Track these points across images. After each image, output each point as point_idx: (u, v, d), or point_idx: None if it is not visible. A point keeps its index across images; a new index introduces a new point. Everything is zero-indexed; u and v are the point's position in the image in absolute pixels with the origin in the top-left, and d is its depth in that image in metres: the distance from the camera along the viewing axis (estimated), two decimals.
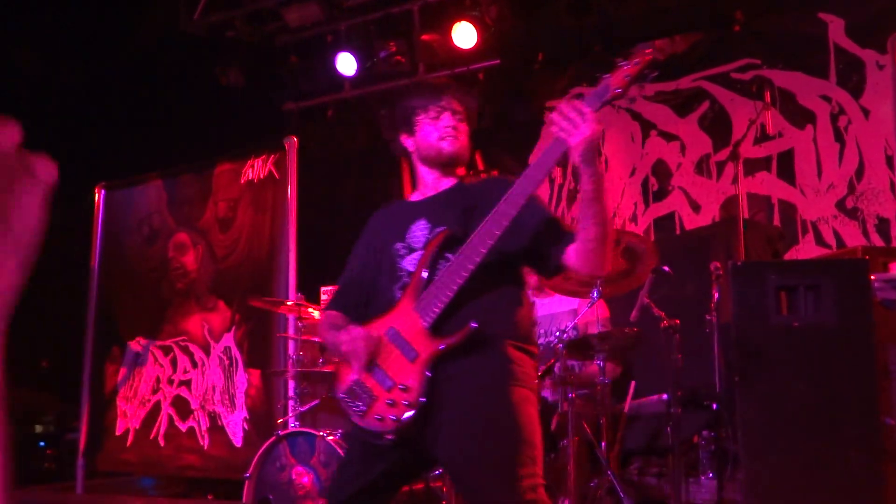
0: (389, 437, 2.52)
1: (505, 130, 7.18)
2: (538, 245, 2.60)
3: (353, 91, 7.46)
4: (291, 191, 6.25)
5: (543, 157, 2.46)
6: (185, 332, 6.85)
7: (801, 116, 6.13)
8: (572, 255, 2.52)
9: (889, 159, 5.81)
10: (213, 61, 7.53)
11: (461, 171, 2.87)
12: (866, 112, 5.95)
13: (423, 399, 2.47)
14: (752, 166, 6.22)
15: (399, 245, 2.74)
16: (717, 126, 6.49)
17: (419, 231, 2.72)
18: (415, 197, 2.90)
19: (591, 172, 2.38)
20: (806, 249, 6.04)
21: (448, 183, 2.82)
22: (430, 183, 2.84)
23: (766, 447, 4.18)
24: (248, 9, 7.06)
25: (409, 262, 2.69)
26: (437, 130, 2.77)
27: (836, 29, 6.01)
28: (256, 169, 6.59)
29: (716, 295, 4.80)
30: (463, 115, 2.79)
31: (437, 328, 2.52)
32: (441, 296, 2.51)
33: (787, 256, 5.92)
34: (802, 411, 4.23)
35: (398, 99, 2.91)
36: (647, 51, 2.41)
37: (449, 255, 2.58)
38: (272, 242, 6.39)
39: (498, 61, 6.81)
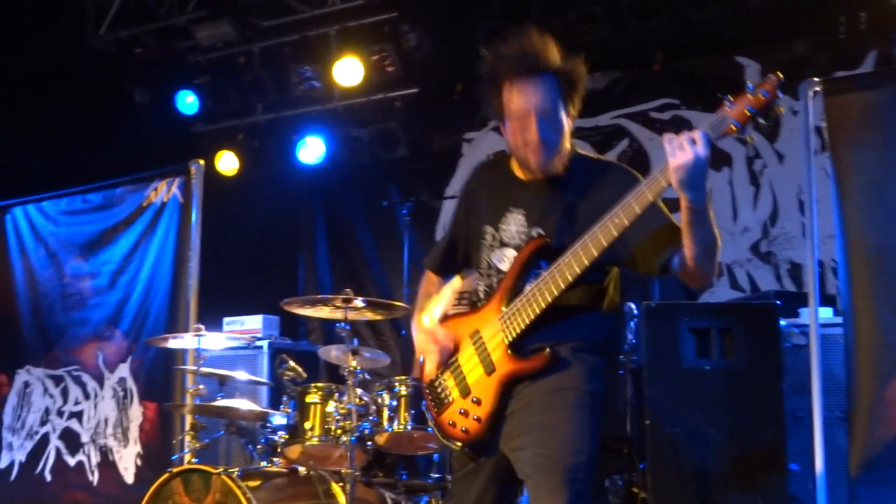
0: (458, 444, 2.60)
1: (421, 160, 7.13)
2: (649, 246, 2.49)
3: (266, 115, 7.36)
4: (196, 216, 6.03)
5: (655, 173, 2.34)
6: (78, 360, 6.62)
7: (717, 158, 6.14)
8: (678, 264, 2.44)
9: (801, 204, 5.84)
10: (120, 78, 7.32)
11: (565, 149, 2.57)
12: (781, 156, 6.00)
13: (494, 415, 2.51)
14: (669, 206, 6.16)
15: (489, 230, 2.64)
16: (636, 164, 6.41)
17: (514, 226, 2.60)
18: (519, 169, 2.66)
19: (688, 199, 2.28)
20: (720, 293, 6.04)
21: (550, 169, 2.55)
22: (533, 165, 2.57)
23: (676, 492, 4.13)
24: (156, 25, 6.91)
25: (498, 258, 2.62)
26: (523, 138, 2.52)
27: (752, 73, 6.04)
28: (161, 192, 6.35)
29: (628, 336, 4.75)
30: (555, 112, 2.50)
31: (518, 345, 2.49)
32: (527, 311, 2.46)
33: (702, 300, 5.89)
34: (712, 456, 4.21)
35: (492, 61, 2.60)
36: (773, 76, 2.21)
37: (543, 264, 2.50)
38: (174, 269, 6.15)
39: (416, 90, 6.74)
